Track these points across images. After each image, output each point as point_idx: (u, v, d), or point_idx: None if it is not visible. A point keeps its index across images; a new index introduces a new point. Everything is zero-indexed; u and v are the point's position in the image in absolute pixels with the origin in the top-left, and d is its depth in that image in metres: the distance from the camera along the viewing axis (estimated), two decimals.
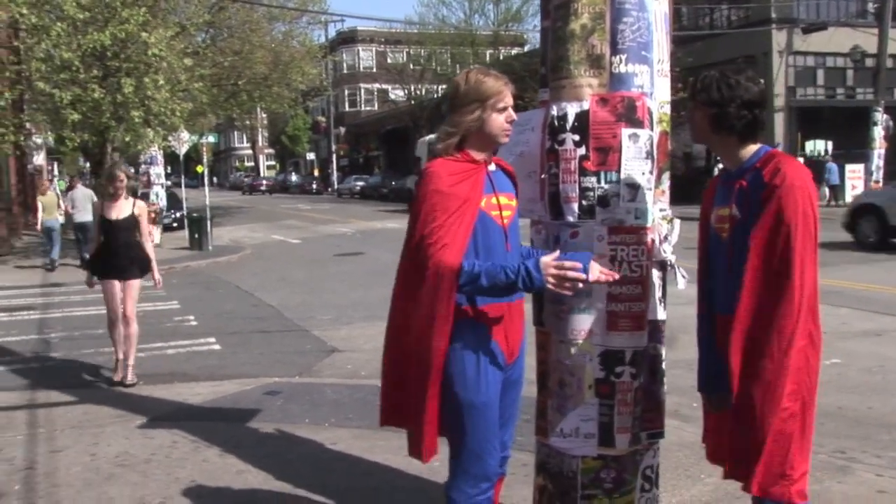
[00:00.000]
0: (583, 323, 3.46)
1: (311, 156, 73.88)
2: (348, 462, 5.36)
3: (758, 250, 2.89)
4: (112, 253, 7.94)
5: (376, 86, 67.79)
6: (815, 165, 30.42)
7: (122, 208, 8.01)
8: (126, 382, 7.72)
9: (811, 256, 2.89)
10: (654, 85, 3.52)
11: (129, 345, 7.91)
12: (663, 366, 3.71)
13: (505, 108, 3.18)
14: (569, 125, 3.48)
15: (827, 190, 28.79)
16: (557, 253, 3.14)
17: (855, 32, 31.34)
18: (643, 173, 3.46)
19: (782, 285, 2.86)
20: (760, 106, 3.03)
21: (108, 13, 17.85)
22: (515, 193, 3.37)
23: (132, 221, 8.01)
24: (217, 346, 9.79)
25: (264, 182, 71.02)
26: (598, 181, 3.45)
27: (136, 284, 8.01)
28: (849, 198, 28.23)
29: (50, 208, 18.80)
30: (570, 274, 3.01)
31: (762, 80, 3.11)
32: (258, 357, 9.16)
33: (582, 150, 3.46)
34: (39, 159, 39.05)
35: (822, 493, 4.67)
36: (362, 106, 70.82)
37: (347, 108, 70.97)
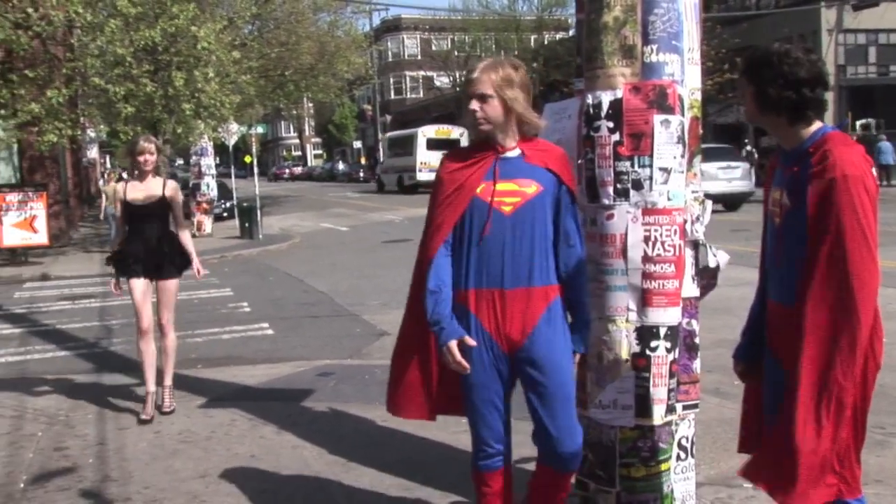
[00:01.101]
0: (619, 300, 3.64)
1: (357, 144, 74.46)
2: (398, 438, 5.60)
3: (819, 249, 2.68)
4: (139, 247, 6.35)
5: (421, 73, 68.17)
6: (867, 144, 30.09)
7: (151, 189, 6.36)
8: (164, 409, 6.36)
9: (870, 253, 2.65)
10: (684, 73, 3.68)
11: (166, 360, 6.50)
12: (697, 340, 3.89)
13: (468, 98, 3.31)
14: (603, 113, 3.66)
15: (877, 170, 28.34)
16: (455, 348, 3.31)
17: None
18: (675, 157, 3.63)
19: (844, 288, 2.65)
20: (812, 85, 2.80)
21: (158, 9, 18.30)
22: (555, 178, 3.37)
23: (163, 205, 6.38)
24: (270, 331, 10.11)
25: (287, 170, 73.19)
26: (632, 165, 3.62)
27: (172, 286, 6.45)
28: None
29: (114, 197, 19.53)
30: (453, 365, 3.33)
31: (818, 58, 2.87)
32: (310, 341, 9.46)
33: (616, 136, 3.64)
34: (93, 153, 39.98)
35: None
36: (408, 93, 71.24)
37: (393, 96, 71.42)
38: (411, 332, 3.67)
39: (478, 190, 3.32)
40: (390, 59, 70.13)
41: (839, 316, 2.65)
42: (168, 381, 6.49)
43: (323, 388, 6.97)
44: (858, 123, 31.16)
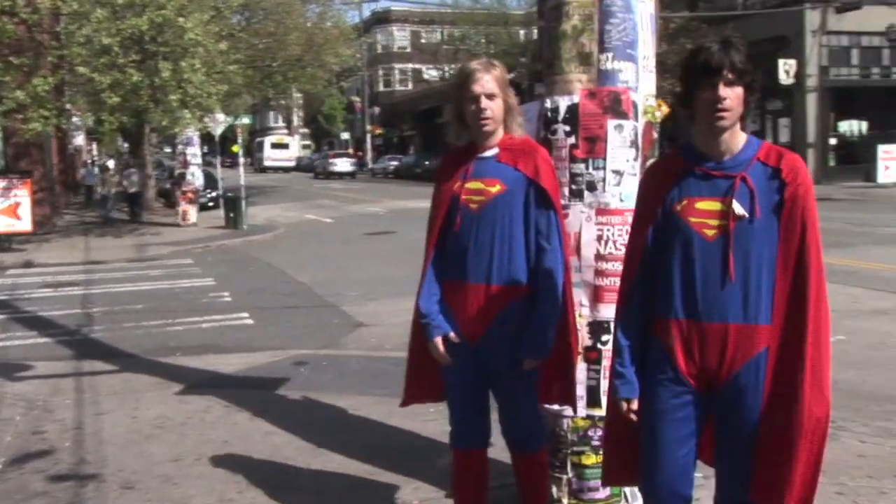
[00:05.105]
0: (574, 296, 3.81)
1: (345, 135, 74.40)
2: (368, 425, 5.78)
3: (811, 256, 2.66)
4: None
5: (410, 66, 68.20)
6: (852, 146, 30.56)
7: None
8: None
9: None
10: (639, 80, 3.86)
11: None
12: None
13: (474, 98, 3.35)
14: (560, 117, 3.84)
15: None
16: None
17: (891, 10, 30.98)
18: (627, 160, 3.81)
19: (822, 288, 2.69)
20: None
21: None
22: (523, 178, 3.41)
23: None
24: (249, 321, 10.26)
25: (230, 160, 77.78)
26: (587, 168, 3.81)
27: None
28: (881, 178, 28.23)
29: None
30: (437, 357, 3.56)
31: None
32: (287, 331, 9.62)
33: (572, 140, 3.82)
34: (79, 140, 39.90)
35: None
36: (397, 86, 71.19)
37: (382, 88, 71.34)
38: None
39: (455, 188, 3.48)
40: (380, 51, 70.08)
41: (822, 310, 2.68)
42: None
43: (297, 376, 7.13)
44: (843, 129, 31.53)
